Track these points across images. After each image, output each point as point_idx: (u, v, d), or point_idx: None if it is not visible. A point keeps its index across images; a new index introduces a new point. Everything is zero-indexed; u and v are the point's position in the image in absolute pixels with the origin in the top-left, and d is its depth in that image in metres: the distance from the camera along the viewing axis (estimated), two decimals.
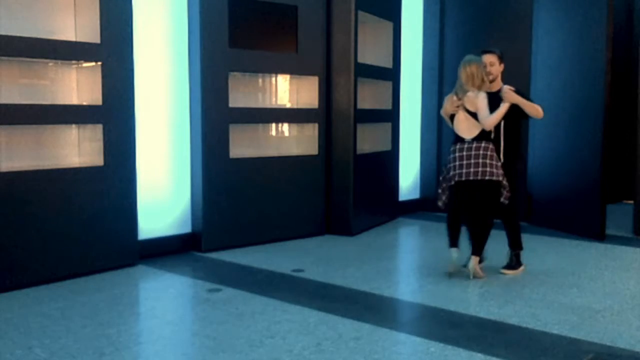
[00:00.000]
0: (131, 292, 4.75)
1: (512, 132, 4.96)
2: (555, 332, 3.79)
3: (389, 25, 7.28)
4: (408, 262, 4.97)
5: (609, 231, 6.56)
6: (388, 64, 7.27)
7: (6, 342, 3.59)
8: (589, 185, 6.42)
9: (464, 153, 4.74)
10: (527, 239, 6.50)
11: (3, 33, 4.54)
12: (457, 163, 4.76)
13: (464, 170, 4.71)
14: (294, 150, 6.63)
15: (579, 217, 6.61)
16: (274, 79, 6.67)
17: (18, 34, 4.60)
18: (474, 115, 4.73)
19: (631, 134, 7.18)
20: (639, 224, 6.71)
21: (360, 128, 6.60)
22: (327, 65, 6.55)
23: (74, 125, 5.15)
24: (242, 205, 6.05)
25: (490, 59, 4.89)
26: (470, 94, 4.75)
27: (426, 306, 4.33)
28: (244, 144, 6.27)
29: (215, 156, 5.83)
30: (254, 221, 6.14)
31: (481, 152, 4.69)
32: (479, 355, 3.42)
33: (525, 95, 5.01)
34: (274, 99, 6.75)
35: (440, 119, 8.05)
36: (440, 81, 8.01)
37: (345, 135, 6.53)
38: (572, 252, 5.90)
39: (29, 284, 4.65)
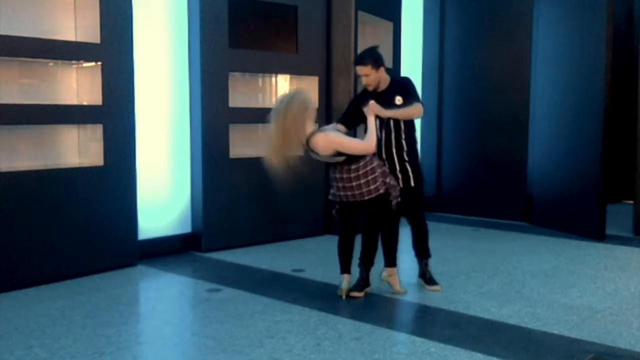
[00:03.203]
0: (131, 292, 4.75)
1: (411, 129, 4.53)
2: (555, 332, 3.79)
3: (389, 25, 7.28)
4: (408, 262, 4.96)
5: (609, 231, 6.56)
6: (388, 64, 7.23)
7: (6, 342, 3.59)
8: (589, 185, 6.42)
9: (338, 175, 4.27)
10: (527, 239, 6.53)
11: (3, 33, 4.55)
12: (338, 184, 4.30)
13: (342, 193, 4.28)
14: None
15: (579, 217, 6.61)
16: (274, 79, 6.67)
17: (18, 34, 4.60)
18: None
19: (631, 134, 7.17)
20: (639, 224, 6.71)
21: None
22: (327, 65, 6.55)
23: (74, 125, 5.15)
24: (242, 205, 6.05)
25: (363, 71, 4.37)
26: (319, 135, 4.12)
27: (426, 306, 4.33)
28: (244, 144, 6.27)
29: (215, 156, 5.83)
30: (254, 221, 6.14)
31: (355, 173, 4.18)
32: (479, 355, 3.42)
33: (410, 89, 4.47)
34: (274, 99, 6.75)
35: (440, 117, 8.08)
36: (440, 81, 8.02)
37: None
38: (572, 252, 5.90)
39: (29, 284, 4.65)
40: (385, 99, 4.42)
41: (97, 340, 3.63)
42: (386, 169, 4.39)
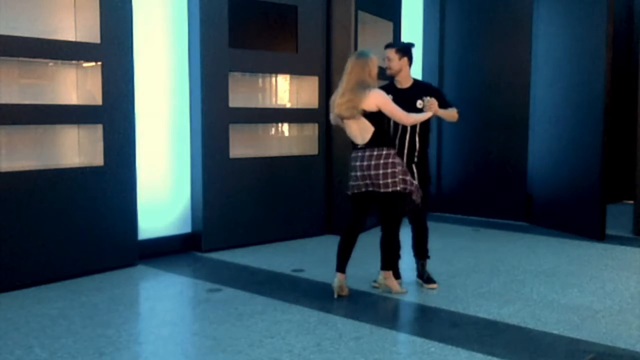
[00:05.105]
0: (131, 292, 4.75)
1: (426, 131, 4.69)
2: (555, 332, 3.79)
3: (389, 25, 7.28)
4: (408, 262, 4.96)
5: (609, 231, 6.56)
6: None
7: (6, 342, 3.59)
8: (589, 185, 6.42)
9: (360, 163, 4.34)
10: (527, 239, 6.53)
11: (3, 33, 4.55)
12: (357, 174, 4.37)
13: (361, 182, 4.36)
14: (294, 150, 6.63)
15: (579, 217, 6.61)
16: (274, 79, 6.67)
17: (18, 34, 4.60)
18: (367, 115, 4.30)
19: (631, 133, 7.17)
20: (639, 224, 6.71)
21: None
22: (327, 65, 6.55)
23: (74, 125, 5.15)
24: (242, 205, 6.05)
25: (388, 54, 4.64)
26: (373, 90, 4.33)
27: (426, 306, 4.33)
28: (244, 144, 6.27)
29: (215, 156, 5.83)
30: (254, 221, 6.14)
31: (376, 161, 4.28)
32: (479, 355, 3.42)
33: (443, 96, 4.74)
34: (274, 99, 6.75)
35: (440, 117, 8.06)
36: (441, 81, 8.02)
37: (345, 135, 6.51)
38: (572, 252, 5.90)
39: (29, 284, 4.65)
40: (407, 98, 4.57)
41: (97, 340, 3.63)
42: (406, 169, 4.43)
